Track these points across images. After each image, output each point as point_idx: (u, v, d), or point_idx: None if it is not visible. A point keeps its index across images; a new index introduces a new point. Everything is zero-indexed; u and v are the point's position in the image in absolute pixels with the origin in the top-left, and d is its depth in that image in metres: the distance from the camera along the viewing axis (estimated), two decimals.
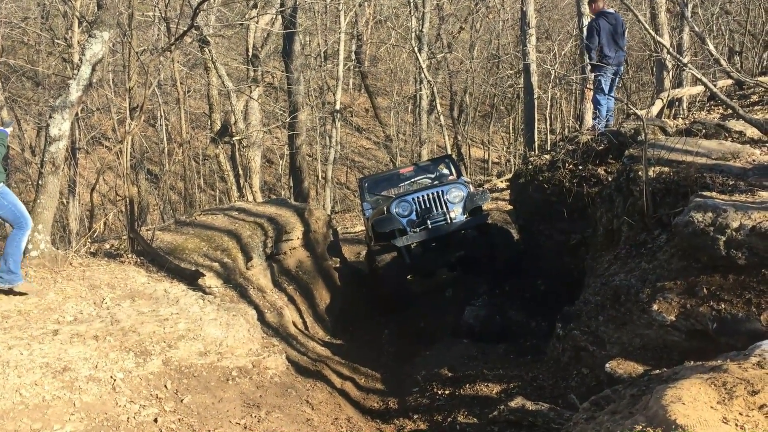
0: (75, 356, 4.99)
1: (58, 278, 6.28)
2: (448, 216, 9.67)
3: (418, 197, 9.82)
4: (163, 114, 20.73)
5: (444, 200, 9.78)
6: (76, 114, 7.57)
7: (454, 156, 19.32)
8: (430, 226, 9.63)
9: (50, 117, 6.81)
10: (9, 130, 6.37)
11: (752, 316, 4.57)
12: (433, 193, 9.82)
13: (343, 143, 24.65)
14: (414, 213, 9.75)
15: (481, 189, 11.22)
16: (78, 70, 6.90)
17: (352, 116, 28.03)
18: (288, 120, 16.73)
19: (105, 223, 9.79)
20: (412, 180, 11.49)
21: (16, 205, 5.86)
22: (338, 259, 11.48)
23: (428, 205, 9.73)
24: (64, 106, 6.73)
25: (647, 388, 3.64)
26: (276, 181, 24.61)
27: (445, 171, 11.57)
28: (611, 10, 9.26)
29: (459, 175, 11.59)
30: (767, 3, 14.88)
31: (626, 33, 9.28)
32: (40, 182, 6.70)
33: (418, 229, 9.68)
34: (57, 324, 5.45)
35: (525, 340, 7.98)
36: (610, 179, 8.12)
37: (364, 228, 13.06)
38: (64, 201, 15.32)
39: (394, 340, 9.23)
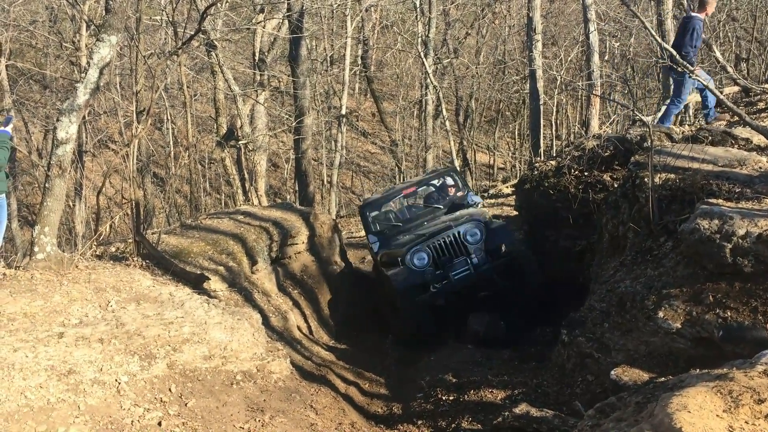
0: (80, 359, 5.01)
1: (63, 281, 6.30)
2: (470, 263, 8.74)
3: (434, 245, 8.91)
4: (169, 117, 20.79)
5: (462, 243, 8.87)
6: (84, 117, 7.61)
7: (458, 164, 19.18)
8: (453, 280, 8.70)
9: (57, 120, 6.83)
10: (10, 128, 6.38)
11: (758, 323, 4.56)
12: (450, 238, 8.90)
13: (348, 148, 24.66)
14: (431, 260, 8.87)
15: (496, 220, 9.75)
16: (85, 74, 6.93)
17: (358, 121, 28.05)
18: (294, 124, 16.76)
19: (111, 226, 9.80)
20: (417, 198, 10.76)
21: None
22: (343, 264, 11.47)
23: (446, 252, 8.85)
24: (71, 110, 6.76)
25: (653, 396, 3.62)
26: (281, 185, 24.65)
27: (450, 182, 10.80)
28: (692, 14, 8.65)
29: (465, 187, 10.83)
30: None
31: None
32: (46, 185, 6.73)
33: (440, 284, 8.74)
34: (62, 327, 5.46)
35: (530, 347, 7.96)
36: (615, 186, 8.11)
37: (371, 259, 11.65)
38: (71, 204, 15.39)
39: (398, 344, 9.21)
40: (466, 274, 8.70)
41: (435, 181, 10.94)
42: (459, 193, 10.51)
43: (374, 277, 11.27)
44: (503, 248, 8.97)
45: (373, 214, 10.64)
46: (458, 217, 9.62)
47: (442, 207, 10.23)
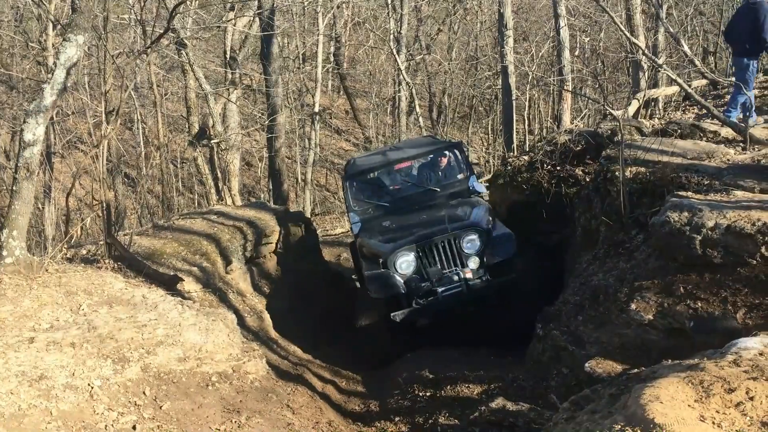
0: (51, 364, 4.92)
1: (33, 285, 6.19)
2: (462, 279, 7.47)
3: (423, 247, 7.62)
4: (140, 117, 20.53)
5: (457, 250, 7.59)
6: (51, 118, 7.49)
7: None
8: (440, 297, 7.42)
9: (24, 121, 6.71)
10: None
11: (728, 314, 4.63)
12: (442, 242, 7.58)
13: (322, 145, 24.58)
14: (416, 267, 7.61)
15: (504, 230, 8.00)
16: (52, 74, 6.81)
17: (331, 118, 27.96)
18: (267, 122, 16.64)
19: (81, 229, 9.66)
20: (411, 175, 9.41)
21: None
22: (318, 262, 11.43)
23: (436, 259, 7.58)
24: (38, 111, 6.64)
25: (626, 388, 3.66)
26: (255, 184, 24.49)
27: (452, 160, 9.36)
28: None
29: (469, 169, 9.22)
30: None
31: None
32: (14, 188, 6.60)
33: (423, 301, 7.47)
34: (33, 332, 5.37)
35: (505, 341, 7.99)
36: (587, 180, 8.20)
37: (350, 235, 10.48)
38: (40, 206, 15.13)
39: (374, 342, 9.22)
40: (457, 291, 7.46)
41: (435, 156, 9.46)
42: (460, 176, 9.17)
43: (353, 261, 10.74)
44: (506, 263, 7.64)
45: (357, 184, 9.25)
46: (457, 212, 8.29)
47: (438, 190, 8.95)
